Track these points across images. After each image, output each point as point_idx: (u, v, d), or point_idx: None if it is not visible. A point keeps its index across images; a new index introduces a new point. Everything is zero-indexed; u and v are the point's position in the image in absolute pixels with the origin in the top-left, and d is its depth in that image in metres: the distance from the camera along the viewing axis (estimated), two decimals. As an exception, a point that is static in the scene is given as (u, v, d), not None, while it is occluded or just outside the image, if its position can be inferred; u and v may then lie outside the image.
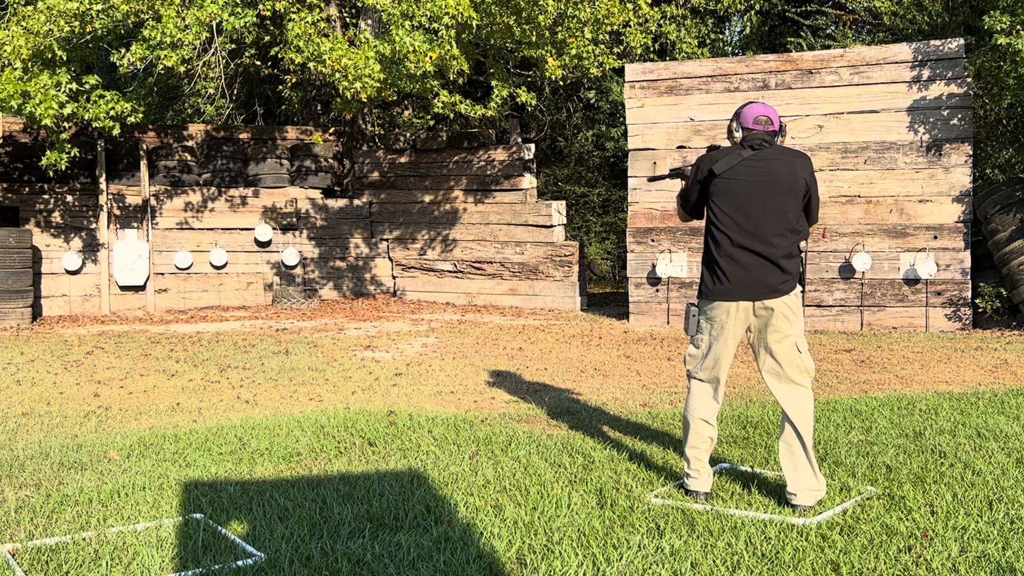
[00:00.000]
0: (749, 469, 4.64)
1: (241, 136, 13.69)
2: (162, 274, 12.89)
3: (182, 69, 11.00)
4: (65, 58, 10.45)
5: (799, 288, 4.17)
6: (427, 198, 13.57)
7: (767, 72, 10.60)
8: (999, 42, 9.31)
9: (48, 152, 11.00)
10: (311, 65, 10.77)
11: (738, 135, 4.21)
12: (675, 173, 4.66)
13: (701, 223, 4.47)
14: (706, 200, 4.21)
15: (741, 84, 10.68)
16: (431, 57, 10.20)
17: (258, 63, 14.11)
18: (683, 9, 14.96)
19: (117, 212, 12.69)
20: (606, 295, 15.26)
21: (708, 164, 4.18)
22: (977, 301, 9.93)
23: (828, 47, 14.32)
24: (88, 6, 9.92)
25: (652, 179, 5.00)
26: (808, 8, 15.61)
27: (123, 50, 10.90)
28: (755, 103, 4.26)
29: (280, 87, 15.35)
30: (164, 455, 5.07)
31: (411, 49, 10.05)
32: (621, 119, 15.78)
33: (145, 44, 10.33)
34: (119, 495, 4.33)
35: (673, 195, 10.49)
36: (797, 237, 4.14)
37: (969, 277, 9.97)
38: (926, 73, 10.03)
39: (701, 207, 4.32)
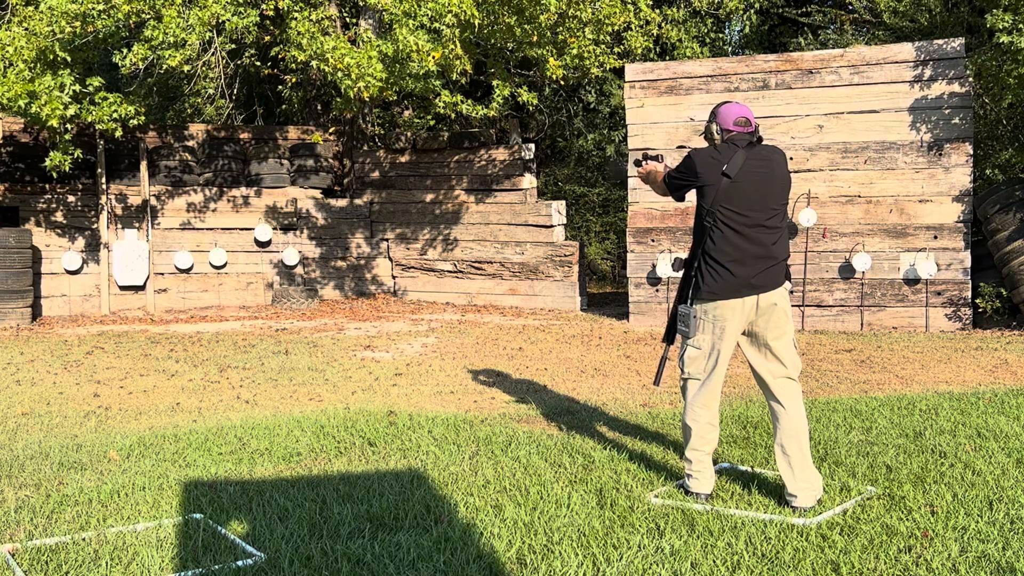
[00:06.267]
0: (749, 469, 4.64)
1: (242, 136, 13.69)
2: (162, 274, 12.89)
3: (186, 68, 11.00)
4: (69, 59, 10.45)
5: (788, 283, 4.23)
6: (427, 198, 13.57)
7: (767, 72, 10.60)
8: (1001, 40, 9.30)
9: (52, 153, 11.00)
10: (314, 63, 10.77)
11: (718, 137, 4.22)
12: (654, 158, 4.62)
13: (693, 220, 4.44)
14: (709, 200, 4.15)
15: (741, 84, 10.68)
16: (434, 57, 10.20)
17: (258, 63, 14.10)
18: (684, 12, 14.96)
19: (118, 212, 12.69)
20: (606, 295, 15.26)
21: (716, 166, 4.12)
22: (977, 301, 9.93)
23: (828, 46, 14.32)
24: (89, 7, 9.92)
25: (637, 162, 4.87)
26: (808, 8, 15.61)
27: (125, 50, 10.90)
28: (731, 103, 4.26)
29: (280, 87, 15.35)
30: (164, 455, 5.07)
31: (415, 48, 10.04)
32: (621, 120, 15.78)
33: (147, 44, 10.33)
34: (119, 495, 4.33)
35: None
36: (786, 231, 4.25)
37: (969, 277, 9.97)
38: (927, 73, 10.03)
39: (685, 195, 4.39)
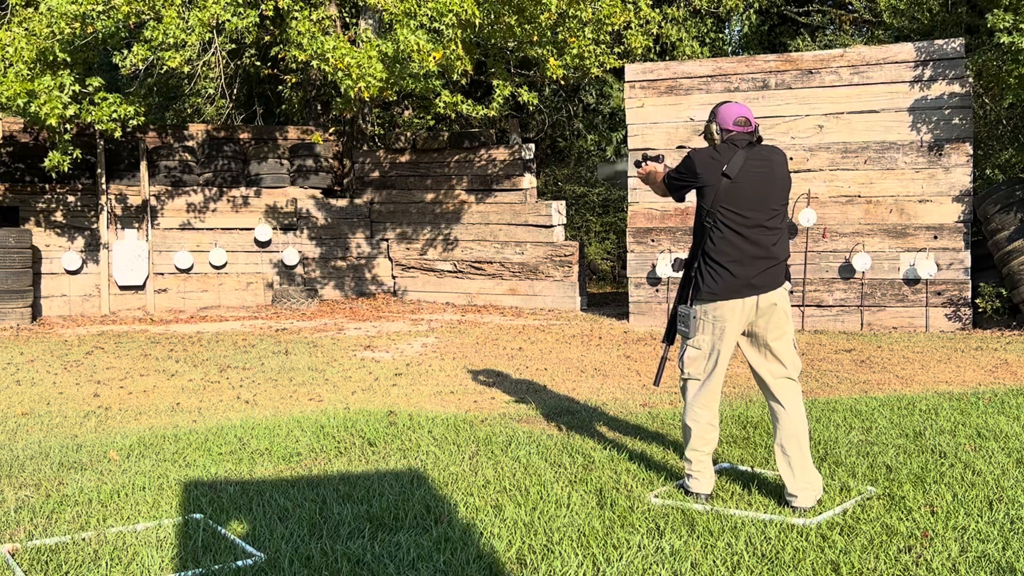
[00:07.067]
0: (749, 469, 4.64)
1: (242, 136, 13.69)
2: (162, 274, 12.88)
3: (186, 69, 11.00)
4: (69, 60, 10.44)
5: (788, 284, 4.22)
6: (427, 198, 13.57)
7: (767, 72, 10.60)
8: (1001, 40, 9.30)
9: (51, 153, 11.00)
10: (314, 63, 10.77)
11: (718, 137, 4.20)
12: (654, 158, 4.64)
13: (693, 220, 4.43)
14: (709, 200, 4.15)
15: (741, 84, 10.68)
16: (435, 57, 10.20)
17: (258, 63, 14.10)
18: (684, 11, 14.96)
19: (118, 212, 12.69)
20: (606, 295, 15.26)
21: (716, 167, 4.11)
22: (977, 301, 9.93)
23: (829, 46, 14.32)
24: (89, 7, 9.92)
25: (638, 163, 4.89)
26: (808, 7, 15.61)
27: (125, 51, 10.90)
28: (731, 103, 4.24)
29: (280, 87, 15.35)
30: (164, 455, 5.07)
31: (415, 48, 10.05)
32: (621, 121, 15.78)
33: (147, 45, 10.33)
34: (119, 495, 4.33)
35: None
36: (786, 231, 4.24)
37: (969, 277, 9.97)
38: (927, 73, 10.03)
39: (685, 196, 4.40)
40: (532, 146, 13.02)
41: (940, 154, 10.03)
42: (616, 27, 11.57)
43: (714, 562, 3.39)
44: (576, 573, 3.31)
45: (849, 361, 8.11)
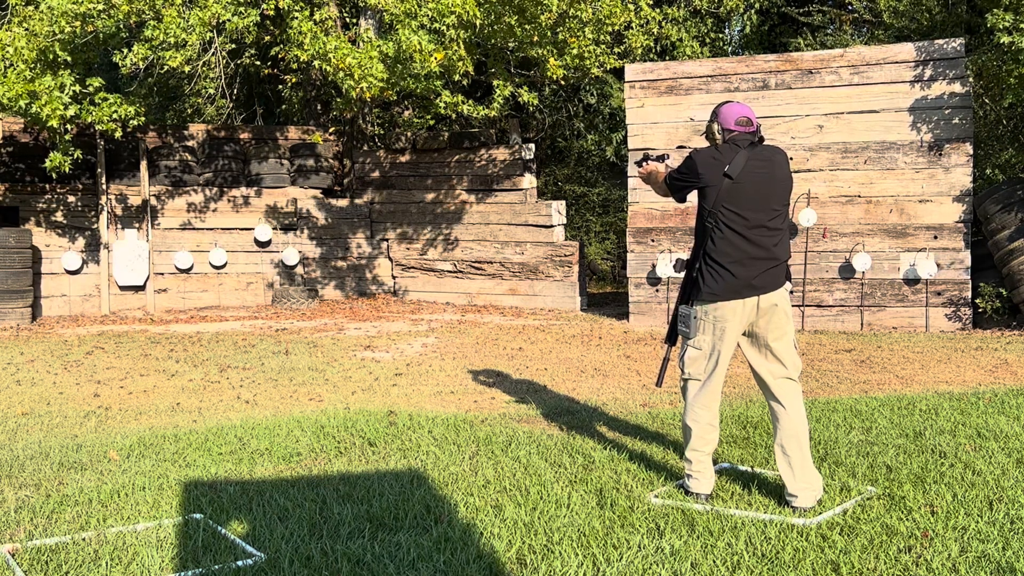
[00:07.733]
0: (749, 469, 4.64)
1: (242, 136, 13.69)
2: (162, 274, 12.89)
3: (186, 69, 11.00)
4: (70, 60, 10.44)
5: (788, 284, 4.22)
6: (428, 198, 13.58)
7: (767, 72, 10.60)
8: (1002, 40, 9.30)
9: (52, 154, 11.00)
10: (316, 63, 10.77)
11: (720, 137, 4.19)
12: (658, 158, 4.64)
13: (693, 220, 4.42)
14: (710, 201, 4.13)
15: (741, 84, 10.68)
16: (437, 58, 10.20)
17: (258, 63, 14.10)
18: (684, 11, 14.96)
19: (118, 212, 12.69)
20: (606, 295, 15.26)
21: (718, 167, 4.10)
22: (977, 301, 9.93)
23: (828, 45, 14.32)
24: (89, 7, 9.92)
25: (639, 163, 4.89)
26: (808, 8, 15.61)
27: (125, 50, 10.90)
28: (733, 103, 4.23)
29: (280, 87, 15.35)
30: (164, 455, 5.07)
31: (417, 49, 10.05)
32: (621, 121, 15.77)
33: (147, 44, 10.33)
34: (119, 495, 4.34)
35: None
36: (787, 232, 4.23)
37: (969, 277, 9.97)
38: (927, 73, 10.03)
39: (686, 196, 4.38)
40: (532, 146, 13.01)
41: (940, 154, 10.02)
42: (616, 27, 11.57)
43: (714, 562, 3.39)
44: (576, 573, 3.31)
45: (849, 361, 8.11)
